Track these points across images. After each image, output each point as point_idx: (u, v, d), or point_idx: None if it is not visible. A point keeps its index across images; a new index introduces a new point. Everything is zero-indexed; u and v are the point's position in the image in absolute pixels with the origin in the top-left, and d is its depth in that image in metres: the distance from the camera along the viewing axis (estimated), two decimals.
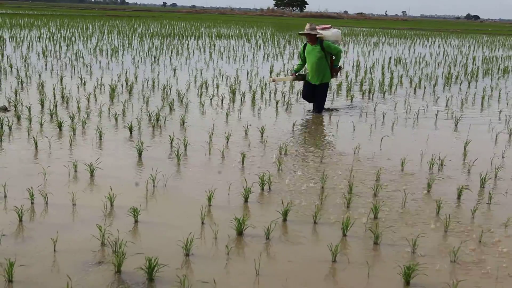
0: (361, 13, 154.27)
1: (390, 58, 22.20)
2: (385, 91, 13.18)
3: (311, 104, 10.59)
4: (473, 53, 27.48)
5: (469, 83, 15.40)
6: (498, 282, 4.15)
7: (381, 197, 5.83)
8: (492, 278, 4.20)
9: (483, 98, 12.44)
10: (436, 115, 10.30)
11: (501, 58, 25.11)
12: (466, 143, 7.91)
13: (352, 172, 6.60)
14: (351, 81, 14.32)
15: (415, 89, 13.79)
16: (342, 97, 12.23)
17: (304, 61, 10.58)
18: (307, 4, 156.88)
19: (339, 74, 11.54)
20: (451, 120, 10.01)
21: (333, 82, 12.30)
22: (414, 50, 28.53)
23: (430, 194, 6.04)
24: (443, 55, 25.30)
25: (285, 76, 10.38)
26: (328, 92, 10.85)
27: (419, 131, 9.14)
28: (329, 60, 10.29)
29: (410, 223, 5.20)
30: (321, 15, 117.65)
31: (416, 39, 39.06)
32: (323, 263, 4.36)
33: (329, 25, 10.70)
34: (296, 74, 10.72)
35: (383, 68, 18.17)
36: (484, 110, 11.28)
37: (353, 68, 17.98)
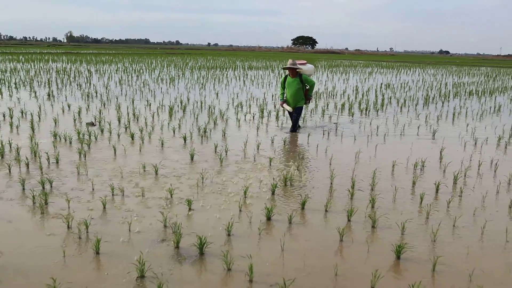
0: (358, 49, 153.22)
1: (381, 83, 21.96)
2: (378, 109, 13.02)
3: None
4: (445, 80, 27.02)
5: (442, 103, 15.14)
6: (469, 257, 4.07)
7: (377, 191, 5.74)
8: (466, 253, 4.11)
9: (454, 114, 12.21)
10: (418, 127, 10.14)
11: (467, 83, 24.65)
12: (441, 149, 7.76)
13: (354, 172, 6.52)
14: (351, 102, 14.18)
15: (401, 108, 13.59)
16: (345, 114, 12.11)
17: (284, 89, 9.91)
18: (317, 43, 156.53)
19: (311, 101, 11.00)
20: (430, 131, 9.83)
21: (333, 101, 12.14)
22: (400, 77, 28.15)
23: (414, 188, 5.94)
24: (422, 81, 24.92)
25: (286, 106, 9.92)
26: (302, 113, 10.27)
27: (405, 140, 8.99)
28: (304, 90, 9.76)
29: (399, 211, 5.12)
30: (327, 51, 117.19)
31: (401, 69, 38.59)
32: (332, 242, 4.31)
33: (305, 61, 10.19)
34: (285, 101, 9.88)
35: (376, 91, 17.97)
36: (455, 124, 11.05)
37: (353, 92, 17.80)
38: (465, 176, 6.48)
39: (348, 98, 15.25)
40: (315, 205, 5.23)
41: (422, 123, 10.87)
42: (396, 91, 18.66)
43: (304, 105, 10.11)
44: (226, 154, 7.37)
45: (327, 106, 13.35)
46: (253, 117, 11.04)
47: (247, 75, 25.48)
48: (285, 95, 9.96)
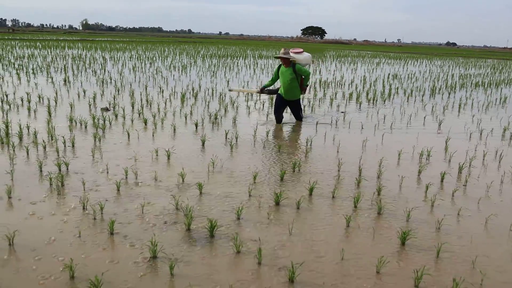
0: (367, 40, 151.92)
1: (389, 74, 21.77)
2: (385, 99, 12.92)
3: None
4: (451, 71, 26.72)
5: (449, 94, 14.98)
6: (472, 244, 4.04)
7: (383, 179, 5.71)
8: (469, 241, 4.09)
9: (459, 105, 12.08)
10: (424, 118, 10.05)
11: (474, 75, 24.36)
12: (447, 139, 7.69)
13: (361, 160, 6.48)
14: (359, 91, 14.09)
15: (408, 98, 13.47)
16: (353, 103, 12.04)
17: (274, 80, 9.39)
18: (326, 33, 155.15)
19: (307, 91, 10.40)
20: (436, 121, 9.74)
21: (342, 93, 12.07)
22: (407, 68, 27.88)
23: (420, 177, 5.89)
24: (429, 72, 24.67)
25: (244, 88, 9.39)
26: (301, 104, 9.62)
27: (411, 129, 8.92)
28: (299, 80, 9.14)
29: (405, 199, 5.09)
30: (336, 41, 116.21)
31: (408, 60, 38.22)
32: (339, 227, 4.30)
33: (301, 50, 9.49)
34: (263, 89, 9.52)
35: (383, 81, 17.83)
36: (460, 115, 10.95)
37: (361, 81, 17.67)
38: (470, 166, 6.43)
39: (356, 88, 15.14)
40: (323, 191, 5.22)
41: (429, 114, 10.77)
42: (403, 82, 18.48)
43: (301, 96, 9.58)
44: (237, 141, 7.36)
45: (335, 95, 13.27)
46: (263, 105, 11.00)
47: (257, 64, 25.38)
48: (274, 85, 9.57)
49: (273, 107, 9.42)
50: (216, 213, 4.49)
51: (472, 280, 3.46)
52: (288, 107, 9.47)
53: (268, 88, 9.58)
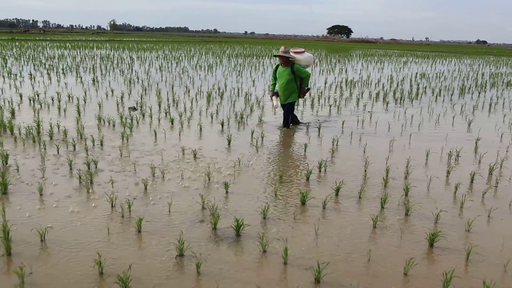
0: (394, 39, 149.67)
1: (416, 73, 21.43)
2: (413, 98, 12.73)
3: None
4: (482, 70, 26.13)
5: (479, 93, 14.66)
6: (504, 247, 3.95)
7: (411, 179, 5.63)
8: (501, 244, 4.00)
9: (490, 105, 11.80)
10: (453, 117, 9.86)
11: (505, 74, 23.75)
12: (477, 139, 7.53)
13: (388, 160, 6.41)
14: (386, 91, 13.92)
15: (436, 97, 13.23)
16: (380, 103, 11.90)
17: (275, 80, 8.67)
18: (352, 32, 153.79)
19: (307, 95, 9.26)
20: (465, 121, 9.55)
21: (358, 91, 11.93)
22: (435, 67, 27.39)
23: (449, 178, 5.79)
24: (458, 71, 24.18)
25: (274, 100, 8.68)
26: (294, 109, 8.81)
27: (439, 130, 8.76)
28: (298, 82, 8.41)
29: (433, 200, 5.00)
30: (362, 40, 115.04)
31: (437, 59, 37.56)
32: (366, 228, 4.26)
33: (303, 50, 8.66)
34: (274, 93, 8.69)
35: (411, 81, 17.57)
36: (491, 115, 10.70)
37: (387, 81, 17.45)
38: (501, 167, 6.28)
39: (383, 87, 14.96)
40: (349, 191, 5.18)
41: (458, 113, 10.56)
42: (431, 81, 18.17)
43: (299, 99, 8.91)
44: (262, 140, 7.36)
45: (362, 94, 13.14)
46: None
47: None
48: (276, 86, 8.77)
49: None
50: (242, 212, 4.50)
51: (504, 284, 3.38)
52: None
53: (276, 91, 8.76)
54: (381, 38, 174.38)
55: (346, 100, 12.04)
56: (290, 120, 8.58)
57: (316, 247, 3.85)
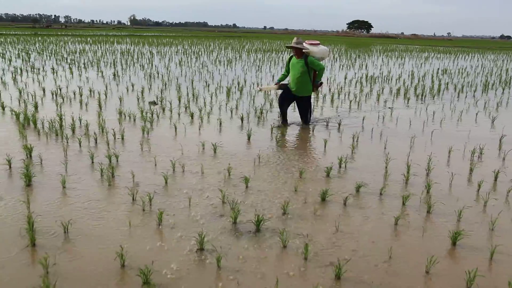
0: (415, 34, 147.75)
1: (438, 69, 21.13)
2: (434, 95, 12.55)
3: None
4: (506, 66, 25.59)
5: (503, 90, 14.38)
6: None
7: (432, 176, 5.56)
8: None
9: None
10: (476, 114, 9.69)
11: None
12: (501, 136, 7.39)
13: (409, 157, 6.34)
14: (407, 87, 13.75)
15: (458, 94, 13.02)
16: (400, 99, 11.75)
17: (288, 72, 8.42)
18: (372, 27, 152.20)
19: (320, 88, 8.87)
20: (489, 118, 9.38)
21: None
22: (457, 63, 26.95)
23: (472, 175, 5.70)
24: (481, 67, 23.74)
25: (268, 85, 8.21)
26: (311, 104, 8.54)
27: (462, 126, 8.62)
28: (312, 75, 8.11)
29: (456, 198, 4.93)
30: (383, 35, 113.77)
31: (459, 54, 36.94)
32: (387, 225, 4.22)
33: (318, 42, 8.29)
34: (280, 83, 8.47)
35: (432, 77, 17.33)
36: None
37: (408, 76, 17.24)
38: None
39: (404, 83, 14.78)
40: (370, 188, 5.13)
41: (481, 110, 10.38)
42: (454, 77, 17.88)
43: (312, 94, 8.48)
44: (282, 135, 7.35)
45: (382, 90, 13.00)
46: None
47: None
48: (288, 79, 8.48)
49: (278, 100, 8.49)
50: (262, 207, 4.50)
51: None
52: (296, 106, 8.53)
53: (282, 82, 8.57)
54: (402, 33, 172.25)
55: (366, 96, 11.93)
56: (309, 115, 8.37)
57: (337, 243, 3.83)
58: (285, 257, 3.57)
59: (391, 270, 3.44)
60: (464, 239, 3.91)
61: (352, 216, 4.40)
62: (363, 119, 8.74)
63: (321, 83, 8.36)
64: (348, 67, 20.84)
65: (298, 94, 8.21)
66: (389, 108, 10.36)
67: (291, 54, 8.34)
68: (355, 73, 17.92)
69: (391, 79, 16.24)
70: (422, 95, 12.22)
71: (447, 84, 15.02)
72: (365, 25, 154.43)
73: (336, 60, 25.44)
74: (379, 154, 6.52)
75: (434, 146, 7.03)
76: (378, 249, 3.75)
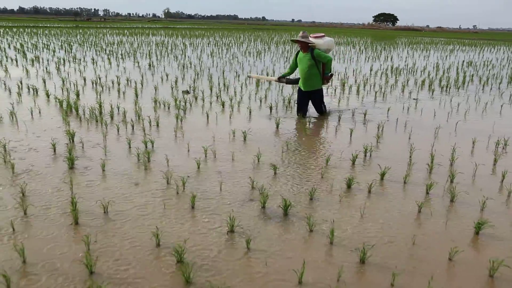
0: (440, 26, 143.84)
1: (463, 61, 20.55)
2: (459, 87, 12.23)
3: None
4: None
5: None
6: None
7: (456, 166, 5.44)
8: None
9: None
10: (501, 106, 9.40)
11: None
12: None
13: (433, 147, 6.21)
14: (432, 78, 13.43)
15: (483, 86, 12.64)
16: (425, 90, 11.49)
17: (293, 68, 8.20)
18: (398, 20, 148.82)
19: (330, 81, 8.61)
20: None
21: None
22: (483, 55, 26.13)
23: (496, 166, 5.54)
24: (507, 60, 22.97)
25: (263, 75, 7.83)
26: (323, 96, 8.24)
27: (487, 118, 8.38)
28: (321, 68, 7.86)
29: (479, 188, 4.81)
30: (408, 28, 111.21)
31: (484, 47, 35.80)
32: (411, 213, 4.15)
33: (323, 34, 8.06)
34: (281, 78, 8.31)
35: (457, 69, 16.86)
36: None
37: (433, 68, 16.83)
38: None
39: (429, 75, 14.44)
40: (394, 176, 5.05)
41: (506, 102, 10.06)
42: (479, 69, 17.37)
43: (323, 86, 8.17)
44: (309, 124, 7.30)
45: (407, 82, 12.74)
46: (335, 90, 10.79)
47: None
48: (295, 74, 8.11)
49: (296, 104, 8.29)
50: (289, 193, 4.49)
51: None
52: (311, 102, 8.21)
53: (287, 77, 8.37)
54: (427, 26, 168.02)
55: (391, 87, 11.71)
56: (323, 107, 8.17)
57: (362, 229, 3.79)
58: (311, 241, 3.56)
59: (415, 257, 3.39)
60: (487, 229, 3.82)
61: (376, 203, 4.35)
62: (388, 110, 8.60)
63: (331, 75, 8.11)
64: (374, 59, 20.48)
65: (309, 89, 7.95)
66: (414, 99, 10.15)
67: (297, 49, 7.98)
68: (381, 65, 17.61)
69: (416, 71, 15.90)
70: (446, 87, 11.92)
71: (472, 76, 14.60)
72: (390, 18, 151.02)
73: (362, 52, 25.03)
74: (403, 144, 6.41)
75: (458, 137, 6.87)
76: (402, 235, 3.70)
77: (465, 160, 5.74)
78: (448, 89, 11.75)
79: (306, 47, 7.77)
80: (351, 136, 6.71)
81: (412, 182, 4.90)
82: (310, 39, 7.79)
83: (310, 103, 8.14)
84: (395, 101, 9.90)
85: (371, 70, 15.42)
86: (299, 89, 8.07)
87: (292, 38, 7.83)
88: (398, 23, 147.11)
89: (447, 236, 3.74)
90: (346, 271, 3.16)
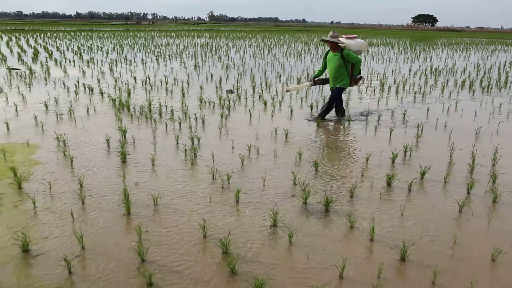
0: (481, 27, 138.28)
1: (505, 62, 19.66)
2: (501, 87, 11.70)
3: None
4: None
5: None
6: None
7: (498, 167, 5.21)
8: None
9: None
10: None
11: None
12: None
13: (474, 147, 5.98)
14: (472, 79, 12.92)
15: None
16: (465, 91, 11.08)
17: (324, 67, 7.85)
18: (437, 21, 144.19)
19: (358, 83, 8.06)
20: None
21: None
22: None
23: None
24: None
25: (299, 84, 7.43)
26: (341, 96, 7.80)
27: None
28: (349, 68, 7.57)
29: None
30: (448, 29, 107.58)
31: None
32: (451, 212, 4.02)
33: (355, 35, 7.79)
34: (315, 79, 7.86)
35: (499, 69, 16.15)
36: None
37: (474, 69, 16.20)
38: None
39: (469, 76, 13.91)
40: (434, 176, 4.90)
41: None
42: None
43: (350, 86, 7.76)
44: (349, 124, 7.19)
45: (447, 82, 12.32)
46: (374, 90, 10.59)
47: (367, 51, 24.45)
48: (325, 73, 7.72)
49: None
50: (330, 190, 4.44)
51: None
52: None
53: (319, 78, 7.98)
54: (467, 26, 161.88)
55: (431, 88, 11.36)
56: (332, 107, 7.65)
57: (402, 227, 3.70)
58: (351, 237, 3.51)
59: (456, 256, 3.28)
60: None
61: (416, 201, 4.24)
62: (428, 110, 8.35)
63: (361, 77, 7.81)
64: (413, 60, 19.94)
65: (333, 87, 7.69)
66: (454, 99, 9.81)
67: (327, 50, 7.85)
68: (420, 66, 17.13)
69: (456, 71, 15.35)
70: (488, 88, 11.45)
71: None
72: (430, 19, 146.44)
73: (401, 53, 24.42)
74: (443, 144, 6.21)
75: (501, 138, 6.58)
76: (443, 235, 3.59)
77: (508, 161, 5.49)
78: (489, 90, 11.28)
79: (336, 47, 7.55)
80: (390, 135, 6.56)
81: (453, 182, 4.74)
82: (342, 39, 7.58)
83: (344, 102, 7.90)
84: (435, 101, 9.60)
85: (410, 70, 15.02)
86: (331, 89, 7.82)
87: (322, 38, 7.62)
88: (438, 24, 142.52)
89: (489, 236, 3.59)
90: (386, 267, 3.10)
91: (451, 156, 5.57)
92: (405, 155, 5.63)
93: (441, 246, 3.41)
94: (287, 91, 8.34)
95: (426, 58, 21.07)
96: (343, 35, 7.72)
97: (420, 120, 7.56)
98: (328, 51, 7.79)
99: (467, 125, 7.41)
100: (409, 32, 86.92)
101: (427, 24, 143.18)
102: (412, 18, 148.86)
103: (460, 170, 5.13)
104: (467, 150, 5.85)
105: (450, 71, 15.38)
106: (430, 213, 3.99)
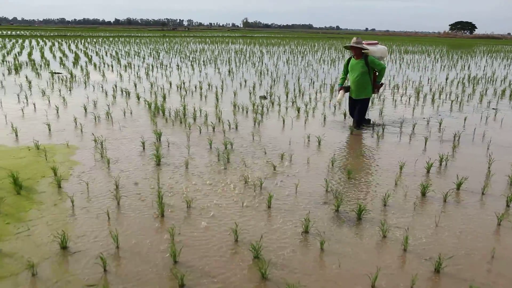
0: None
1: None
2: None
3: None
4: None
5: None
6: None
7: None
8: None
9: None
10: None
11: None
12: None
13: None
14: None
15: None
16: (505, 100, 10.72)
17: (346, 74, 7.61)
18: (476, 28, 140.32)
19: (381, 89, 7.57)
20: None
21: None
22: None
23: None
24: None
25: (338, 94, 7.27)
26: (368, 106, 7.66)
27: None
28: (372, 75, 7.35)
29: None
30: (487, 36, 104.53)
31: None
32: (489, 225, 3.88)
33: (376, 41, 7.59)
34: (343, 87, 7.56)
35: None
36: None
37: None
38: None
39: (510, 84, 13.45)
40: (471, 187, 4.76)
41: None
42: None
43: (373, 95, 7.44)
44: (383, 132, 7.08)
45: (486, 91, 11.94)
46: (409, 98, 10.39)
47: (403, 59, 24.04)
48: (347, 81, 7.66)
49: (349, 111, 7.77)
50: (363, 198, 4.38)
51: None
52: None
53: (345, 86, 7.70)
54: (509, 33, 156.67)
55: (468, 97, 11.04)
56: (363, 119, 7.49)
57: (437, 239, 3.61)
58: (384, 247, 3.45)
59: (494, 271, 3.17)
60: None
61: (452, 212, 4.12)
62: (465, 120, 8.12)
63: (382, 84, 7.58)
64: (450, 68, 19.46)
65: (357, 97, 7.45)
66: (493, 109, 9.50)
67: (349, 56, 7.61)
68: (457, 74, 16.70)
69: (496, 80, 14.87)
70: None
71: None
72: (468, 26, 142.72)
73: (437, 60, 23.88)
74: (481, 154, 6.02)
75: None
76: (480, 248, 3.47)
77: None
78: None
79: (360, 53, 7.33)
80: (425, 144, 6.42)
81: (491, 194, 4.59)
82: (364, 45, 7.33)
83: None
84: (473, 110, 9.32)
85: (446, 79, 14.66)
86: (350, 97, 7.62)
87: (345, 45, 7.51)
88: (476, 31, 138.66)
89: None
90: (420, 279, 3.02)
91: (489, 167, 5.39)
92: (440, 165, 5.49)
93: (478, 260, 3.30)
94: (339, 103, 8.00)
95: (464, 66, 20.52)
96: (364, 42, 7.47)
97: (456, 129, 7.36)
98: (349, 58, 7.57)
99: (507, 135, 7.16)
100: (446, 39, 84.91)
101: (465, 31, 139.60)
102: (449, 25, 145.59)
103: (498, 181, 4.96)
104: (506, 161, 5.65)
105: (489, 79, 14.92)
106: (466, 225, 3.87)
